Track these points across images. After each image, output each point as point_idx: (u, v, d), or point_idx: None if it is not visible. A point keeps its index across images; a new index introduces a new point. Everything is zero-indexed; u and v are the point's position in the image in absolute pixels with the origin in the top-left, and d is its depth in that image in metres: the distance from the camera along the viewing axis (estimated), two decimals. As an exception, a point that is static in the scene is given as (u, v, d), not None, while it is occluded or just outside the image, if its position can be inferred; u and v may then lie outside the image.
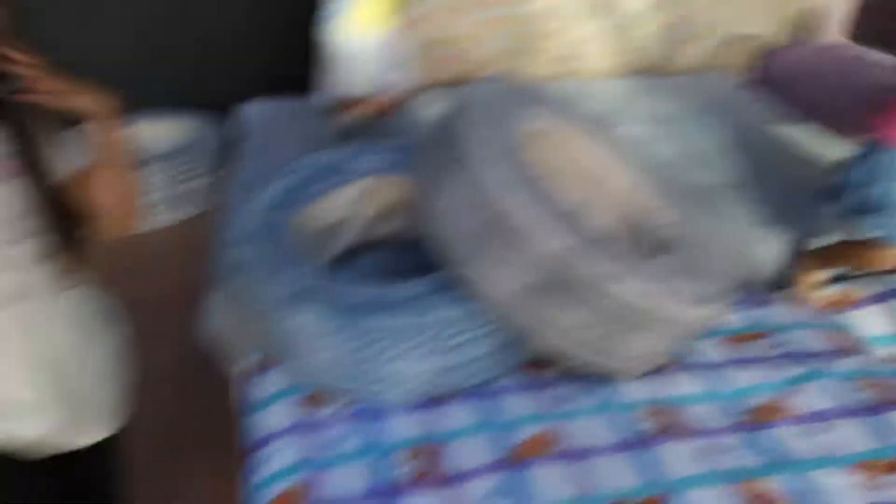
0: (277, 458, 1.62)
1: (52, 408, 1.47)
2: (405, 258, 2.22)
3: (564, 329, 1.59)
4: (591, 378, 1.77)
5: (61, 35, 4.04)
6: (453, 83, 3.13)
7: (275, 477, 1.58)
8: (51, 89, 1.35)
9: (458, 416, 1.70)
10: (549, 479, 1.55)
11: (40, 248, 1.41)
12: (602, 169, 2.04)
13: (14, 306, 1.39)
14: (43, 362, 1.45)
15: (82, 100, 1.39)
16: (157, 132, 4.10)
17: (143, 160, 3.75)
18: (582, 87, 3.12)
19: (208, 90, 4.33)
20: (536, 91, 2.08)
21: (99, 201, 1.46)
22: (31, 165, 1.38)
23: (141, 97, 4.34)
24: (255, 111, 3.75)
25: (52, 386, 1.46)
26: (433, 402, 1.73)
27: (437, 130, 1.83)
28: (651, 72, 3.42)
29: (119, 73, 4.19)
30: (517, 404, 1.73)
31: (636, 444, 1.64)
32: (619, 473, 1.57)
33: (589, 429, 1.67)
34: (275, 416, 1.73)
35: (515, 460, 1.59)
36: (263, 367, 1.87)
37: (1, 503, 1.47)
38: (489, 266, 1.59)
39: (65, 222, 1.46)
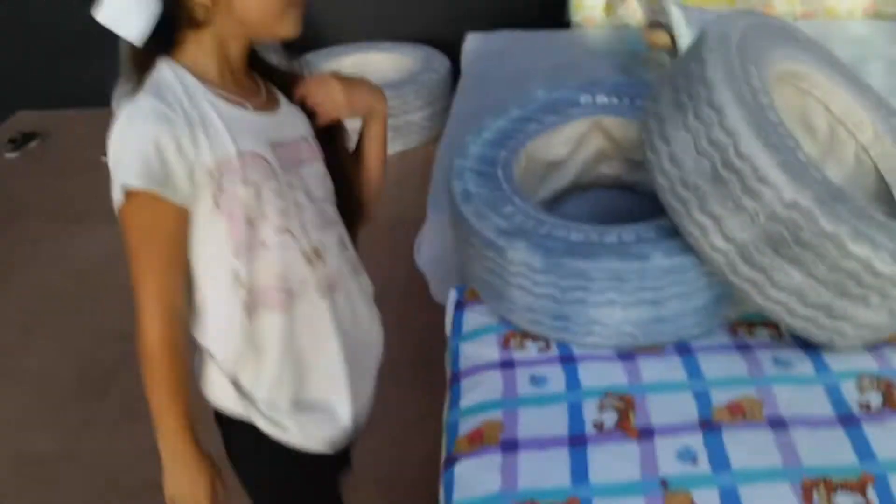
0: (478, 391, 1.66)
1: (352, 404, 1.40)
2: (620, 202, 2.18)
3: (791, 287, 1.50)
4: (805, 343, 1.67)
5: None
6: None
7: (474, 409, 1.62)
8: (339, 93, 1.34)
9: (660, 369, 1.66)
10: (749, 445, 1.48)
11: (342, 234, 1.38)
12: (848, 119, 1.89)
13: (327, 299, 1.33)
14: (348, 356, 1.38)
15: (368, 99, 1.38)
16: (385, 62, 4.23)
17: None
18: (823, 28, 2.88)
19: (436, 21, 4.39)
20: (788, 29, 1.93)
21: (368, 186, 1.46)
22: (331, 149, 1.37)
23: (370, 27, 4.49)
24: (479, 43, 3.78)
25: (354, 381, 1.40)
26: (636, 352, 1.70)
27: (679, 64, 1.74)
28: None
29: (351, 3, 4.35)
30: (723, 364, 1.66)
31: (851, 418, 1.52)
32: (827, 447, 1.46)
33: (799, 397, 1.57)
34: (478, 350, 1.77)
35: (715, 422, 1.53)
36: (471, 300, 1.91)
37: (291, 491, 1.44)
38: (720, 211, 1.51)
39: (351, 206, 1.43)
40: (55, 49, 4.66)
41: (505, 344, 1.77)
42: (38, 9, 4.58)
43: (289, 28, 1.24)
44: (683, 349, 1.70)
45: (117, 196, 1.15)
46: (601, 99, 2.15)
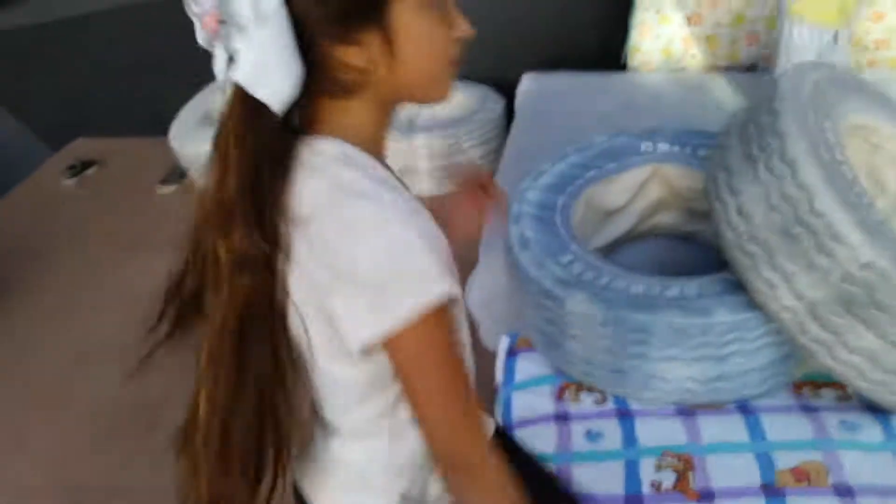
0: (531, 443, 1.61)
1: None
2: (677, 252, 2.14)
3: (864, 349, 1.45)
4: (874, 407, 1.61)
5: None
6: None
7: (528, 461, 1.58)
8: None
9: (721, 428, 1.60)
10: (814, 512, 1.43)
11: None
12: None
13: None
14: None
15: None
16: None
17: (422, 127, 3.88)
18: (888, 78, 2.83)
19: (491, 61, 4.40)
20: (859, 81, 1.88)
21: None
22: None
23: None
24: (534, 84, 3.76)
25: None
26: (696, 409, 1.65)
27: (747, 118, 1.70)
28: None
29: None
30: (787, 425, 1.60)
31: (923, 488, 1.46)
32: (899, 520, 1.41)
33: (867, 463, 1.51)
34: (532, 400, 1.73)
35: (778, 487, 1.48)
36: (524, 347, 1.87)
37: None
38: (791, 268, 1.47)
39: None
40: (114, 78, 4.74)
41: (559, 395, 1.73)
42: (97, 38, 4.68)
43: (446, 90, 0.99)
44: (745, 408, 1.65)
45: (404, 318, 0.85)
46: (662, 147, 2.11)
